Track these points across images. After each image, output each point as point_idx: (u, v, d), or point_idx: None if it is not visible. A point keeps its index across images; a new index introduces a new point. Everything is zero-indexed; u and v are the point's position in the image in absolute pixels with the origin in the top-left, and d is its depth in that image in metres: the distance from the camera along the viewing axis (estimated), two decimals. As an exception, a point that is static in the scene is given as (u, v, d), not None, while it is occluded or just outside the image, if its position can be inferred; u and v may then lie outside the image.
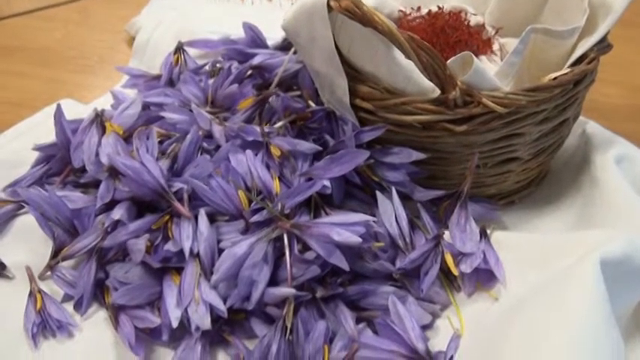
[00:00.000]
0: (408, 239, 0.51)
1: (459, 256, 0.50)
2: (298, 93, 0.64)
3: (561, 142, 0.59)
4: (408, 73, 0.50)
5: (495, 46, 0.60)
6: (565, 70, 0.52)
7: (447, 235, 0.52)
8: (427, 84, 0.50)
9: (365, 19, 0.48)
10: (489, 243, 0.51)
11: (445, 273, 0.51)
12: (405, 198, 0.55)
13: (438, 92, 0.50)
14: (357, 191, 0.55)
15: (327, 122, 0.56)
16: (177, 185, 0.53)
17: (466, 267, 0.49)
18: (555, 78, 0.51)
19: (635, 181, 0.55)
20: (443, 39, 0.57)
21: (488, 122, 0.51)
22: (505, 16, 0.62)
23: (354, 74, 0.54)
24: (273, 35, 0.72)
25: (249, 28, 0.73)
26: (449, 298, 0.50)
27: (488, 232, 0.52)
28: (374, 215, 0.52)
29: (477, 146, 0.53)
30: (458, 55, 0.50)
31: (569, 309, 0.41)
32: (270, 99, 0.60)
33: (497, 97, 0.50)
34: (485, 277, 0.50)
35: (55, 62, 0.80)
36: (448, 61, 0.50)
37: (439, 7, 0.61)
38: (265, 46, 0.73)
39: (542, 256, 0.49)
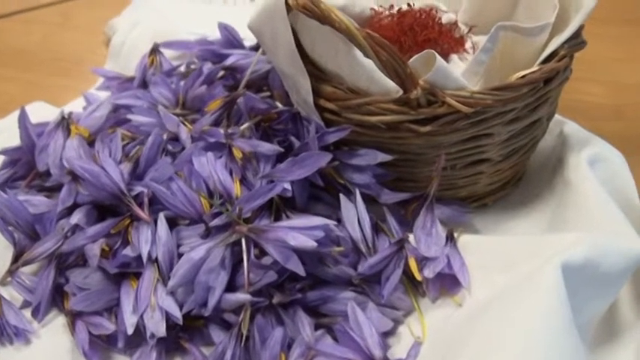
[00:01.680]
0: (370, 243, 0.49)
1: (423, 261, 0.49)
2: (269, 94, 0.63)
3: (535, 142, 0.57)
4: (370, 73, 0.49)
5: (468, 45, 0.59)
6: (534, 68, 0.50)
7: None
8: (390, 84, 0.49)
9: (323, 17, 0.46)
10: (455, 247, 0.50)
11: (410, 278, 0.49)
12: (372, 201, 0.53)
13: (401, 92, 0.49)
14: (323, 194, 0.54)
15: (293, 123, 0.55)
16: (138, 189, 0.52)
17: (429, 272, 0.48)
18: (524, 76, 0.50)
19: (608, 182, 0.54)
20: (411, 37, 0.56)
21: (453, 122, 0.49)
22: (478, 14, 0.61)
23: (318, 74, 0.53)
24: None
25: (224, 28, 0.72)
26: (413, 303, 0.48)
27: (456, 235, 0.51)
28: (339, 219, 0.51)
29: (444, 147, 0.52)
30: (420, 54, 0.49)
31: (526, 315, 0.40)
32: (239, 100, 0.59)
33: (463, 96, 0.49)
34: (450, 283, 0.48)
35: (32, 65, 0.80)
36: (410, 60, 0.49)
37: (409, 5, 0.60)
38: (241, 47, 0.72)
39: (507, 260, 0.47)
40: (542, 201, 0.57)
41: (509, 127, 0.52)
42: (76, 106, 0.69)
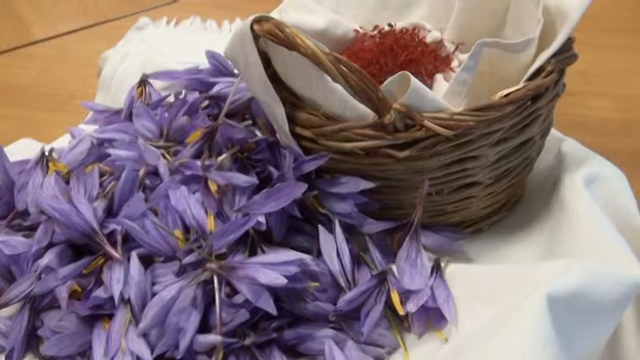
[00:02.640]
0: (350, 277, 0.47)
1: (406, 294, 0.46)
2: (252, 122, 0.61)
3: (529, 162, 0.54)
4: (343, 98, 0.47)
5: (454, 63, 0.56)
6: (518, 86, 0.48)
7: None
8: (365, 108, 0.47)
9: (288, 43, 0.44)
10: (441, 278, 0.47)
11: (394, 312, 0.46)
12: (355, 230, 0.51)
13: (377, 116, 0.47)
14: (304, 225, 0.52)
15: (271, 153, 0.53)
16: (112, 226, 0.50)
17: (412, 306, 0.45)
18: (507, 95, 0.47)
19: (608, 203, 0.50)
20: (391, 59, 0.53)
21: (433, 146, 0.47)
22: (466, 32, 0.58)
23: (293, 100, 0.51)
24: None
25: (211, 56, 0.70)
26: (397, 339, 0.46)
27: (443, 264, 0.48)
28: (320, 251, 0.49)
29: (427, 172, 0.49)
30: (395, 75, 0.46)
31: (509, 351, 0.37)
32: (219, 129, 0.57)
33: (442, 118, 0.46)
34: (435, 316, 0.45)
35: (26, 100, 0.79)
36: (385, 82, 0.47)
37: (390, 25, 0.57)
38: (230, 74, 0.71)
39: (494, 291, 0.44)
40: (538, 224, 0.54)
41: (496, 148, 0.49)
42: (63, 141, 0.68)
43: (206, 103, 0.65)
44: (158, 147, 0.59)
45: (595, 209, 0.48)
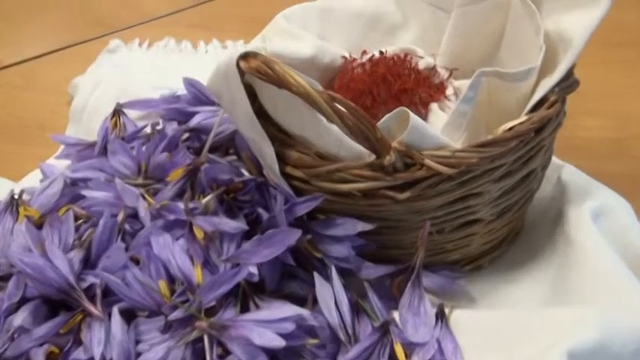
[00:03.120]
0: (350, 330, 0.44)
1: (411, 346, 0.43)
2: (237, 157, 0.58)
3: (530, 195, 0.52)
4: (338, 137, 0.44)
5: (449, 91, 0.53)
6: (522, 119, 0.45)
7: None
8: (361, 147, 0.44)
9: (278, 81, 0.41)
10: (447, 327, 0.44)
11: (399, 365, 0.43)
12: (353, 274, 0.48)
13: (374, 156, 0.44)
14: (298, 270, 0.49)
15: (260, 194, 0.50)
16: (90, 279, 0.46)
17: (419, 360, 0.42)
18: (511, 128, 0.45)
19: (617, 238, 0.48)
20: (385, 89, 0.50)
21: (435, 185, 0.44)
22: (459, 56, 0.55)
23: (283, 138, 0.48)
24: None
25: (189, 84, 0.67)
26: (403, 395, 0.43)
27: (447, 311, 0.45)
28: (316, 298, 0.45)
29: (428, 212, 0.46)
30: (392, 112, 0.43)
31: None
32: (202, 167, 0.53)
33: (444, 156, 0.43)
34: (443, 369, 0.42)
35: (-7, 133, 0.75)
36: (382, 120, 0.44)
37: (381, 52, 0.54)
38: (210, 103, 0.67)
39: (506, 341, 0.42)
40: (542, 260, 0.51)
41: (499, 183, 0.47)
42: (34, 178, 0.64)
43: (186, 135, 0.61)
44: (136, 185, 0.55)
45: (604, 245, 0.46)
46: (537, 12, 0.47)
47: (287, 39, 0.55)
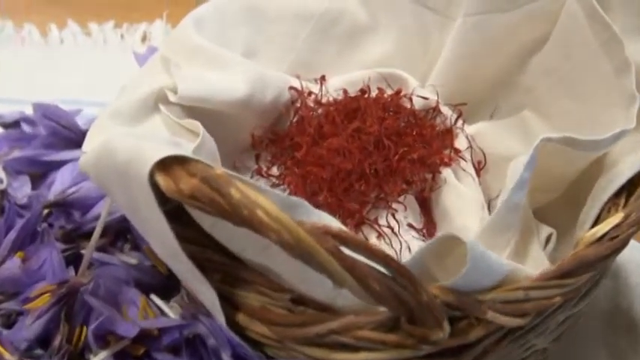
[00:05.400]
0: None
1: None
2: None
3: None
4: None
5: (461, 143, 0.36)
6: (617, 219, 0.28)
7: None
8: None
9: (240, 218, 0.22)
10: None
11: None
12: None
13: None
14: None
15: (191, 351, 0.30)
16: None
17: None
18: (602, 236, 0.28)
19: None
20: (380, 161, 0.32)
21: (496, 344, 0.27)
22: (462, 82, 0.37)
23: (231, 267, 0.28)
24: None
25: (43, 115, 0.44)
26: None
27: None
28: None
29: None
30: (432, 242, 0.25)
31: None
32: (82, 289, 0.33)
33: (512, 300, 0.26)
34: None
35: None
36: (415, 253, 0.26)
37: (363, 91, 0.35)
38: (79, 135, 0.45)
39: None
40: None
41: (570, 311, 0.30)
42: None
43: (46, 211, 0.39)
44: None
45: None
46: (619, 36, 0.30)
47: (206, 67, 0.35)
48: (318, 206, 0.33)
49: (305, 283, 0.26)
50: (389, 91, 0.36)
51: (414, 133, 0.33)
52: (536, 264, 0.30)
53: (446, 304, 0.25)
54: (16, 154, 0.43)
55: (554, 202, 0.34)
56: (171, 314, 0.33)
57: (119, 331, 0.30)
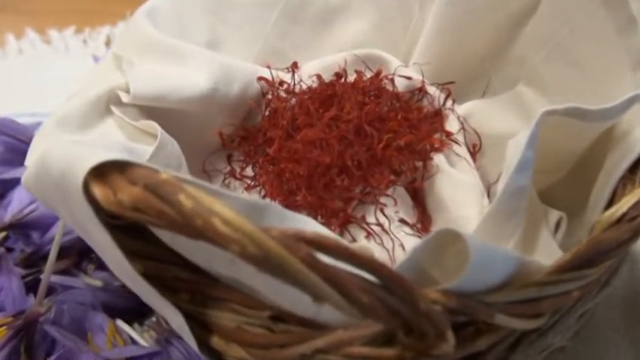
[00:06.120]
0: None
1: None
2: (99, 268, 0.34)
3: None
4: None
5: (453, 125, 0.32)
6: (635, 197, 0.25)
7: None
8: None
9: (189, 228, 0.18)
10: None
11: None
12: None
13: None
14: None
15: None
16: None
17: None
18: (621, 217, 0.24)
19: None
20: (361, 149, 0.28)
21: (507, 352, 0.24)
22: (449, 58, 0.34)
23: (199, 281, 0.25)
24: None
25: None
26: None
27: None
28: None
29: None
30: (428, 238, 0.22)
31: None
32: (42, 319, 0.29)
33: (524, 300, 0.23)
34: None
35: None
36: (409, 254, 0.22)
37: (338, 75, 0.32)
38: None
39: None
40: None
41: (587, 305, 0.27)
42: None
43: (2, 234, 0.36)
44: None
45: None
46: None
47: (162, 62, 0.31)
48: (297, 207, 0.30)
49: (282, 299, 0.23)
50: (368, 74, 0.33)
51: (399, 118, 0.30)
52: (547, 254, 0.26)
53: (448, 310, 0.21)
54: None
55: (559, 183, 0.31)
56: (141, 341, 0.29)
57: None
